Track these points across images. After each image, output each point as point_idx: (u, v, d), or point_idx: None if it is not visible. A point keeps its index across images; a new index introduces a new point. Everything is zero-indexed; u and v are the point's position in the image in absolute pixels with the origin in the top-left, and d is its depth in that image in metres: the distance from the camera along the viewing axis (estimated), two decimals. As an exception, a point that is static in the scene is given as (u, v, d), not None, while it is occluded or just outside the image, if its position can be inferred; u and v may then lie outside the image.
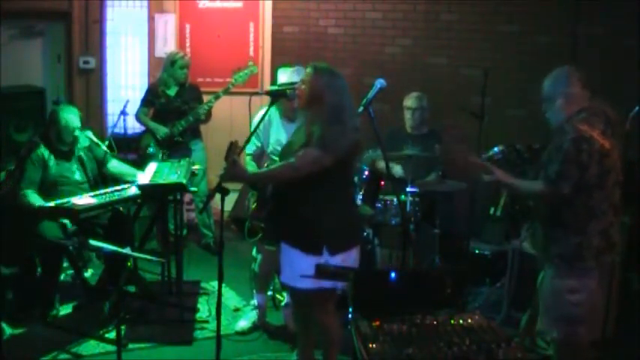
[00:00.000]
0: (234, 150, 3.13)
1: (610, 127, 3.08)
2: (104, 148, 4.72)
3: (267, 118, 4.04)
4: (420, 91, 5.38)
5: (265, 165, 3.75)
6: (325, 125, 3.14)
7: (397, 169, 5.05)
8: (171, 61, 5.70)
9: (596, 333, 3.16)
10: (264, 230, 3.57)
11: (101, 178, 4.85)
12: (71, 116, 4.60)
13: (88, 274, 5.11)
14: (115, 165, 4.85)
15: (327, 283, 3.17)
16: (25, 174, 4.50)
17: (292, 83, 4.00)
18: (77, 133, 4.63)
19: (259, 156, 4.25)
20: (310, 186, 3.16)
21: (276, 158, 4.02)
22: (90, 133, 4.67)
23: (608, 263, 3.15)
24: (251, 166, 4.24)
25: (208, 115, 5.73)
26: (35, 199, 4.39)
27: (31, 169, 4.51)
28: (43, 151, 4.57)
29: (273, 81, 4.21)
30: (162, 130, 5.61)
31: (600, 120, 3.06)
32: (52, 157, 4.59)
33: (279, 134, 4.15)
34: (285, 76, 4.13)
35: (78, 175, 4.69)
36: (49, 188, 4.54)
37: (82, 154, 4.75)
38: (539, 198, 3.22)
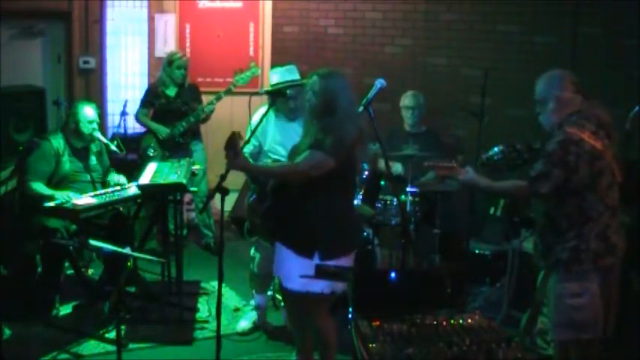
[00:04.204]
0: (235, 140, 3.10)
1: (602, 128, 3.07)
2: (113, 147, 4.72)
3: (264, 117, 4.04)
4: (417, 90, 5.39)
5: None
6: (339, 129, 3.11)
7: (397, 167, 5.05)
8: (168, 61, 5.70)
9: (597, 333, 3.15)
10: (260, 226, 3.56)
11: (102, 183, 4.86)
12: (89, 110, 4.63)
13: (89, 273, 5.11)
14: (114, 179, 4.83)
15: (315, 287, 3.15)
16: (33, 167, 4.49)
17: (287, 81, 4.00)
18: (94, 127, 4.64)
19: (257, 155, 4.25)
20: (310, 188, 3.14)
21: (273, 156, 4.02)
22: (98, 134, 4.68)
23: (609, 267, 3.12)
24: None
25: (208, 115, 5.73)
26: (43, 189, 4.40)
27: (42, 162, 4.50)
28: (59, 144, 4.57)
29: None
30: (163, 131, 5.60)
31: (591, 122, 3.05)
32: (67, 152, 4.60)
33: (275, 133, 4.14)
34: (276, 76, 4.08)
35: (88, 177, 4.70)
36: (57, 183, 4.53)
37: (94, 157, 4.77)
38: (514, 195, 3.22)
